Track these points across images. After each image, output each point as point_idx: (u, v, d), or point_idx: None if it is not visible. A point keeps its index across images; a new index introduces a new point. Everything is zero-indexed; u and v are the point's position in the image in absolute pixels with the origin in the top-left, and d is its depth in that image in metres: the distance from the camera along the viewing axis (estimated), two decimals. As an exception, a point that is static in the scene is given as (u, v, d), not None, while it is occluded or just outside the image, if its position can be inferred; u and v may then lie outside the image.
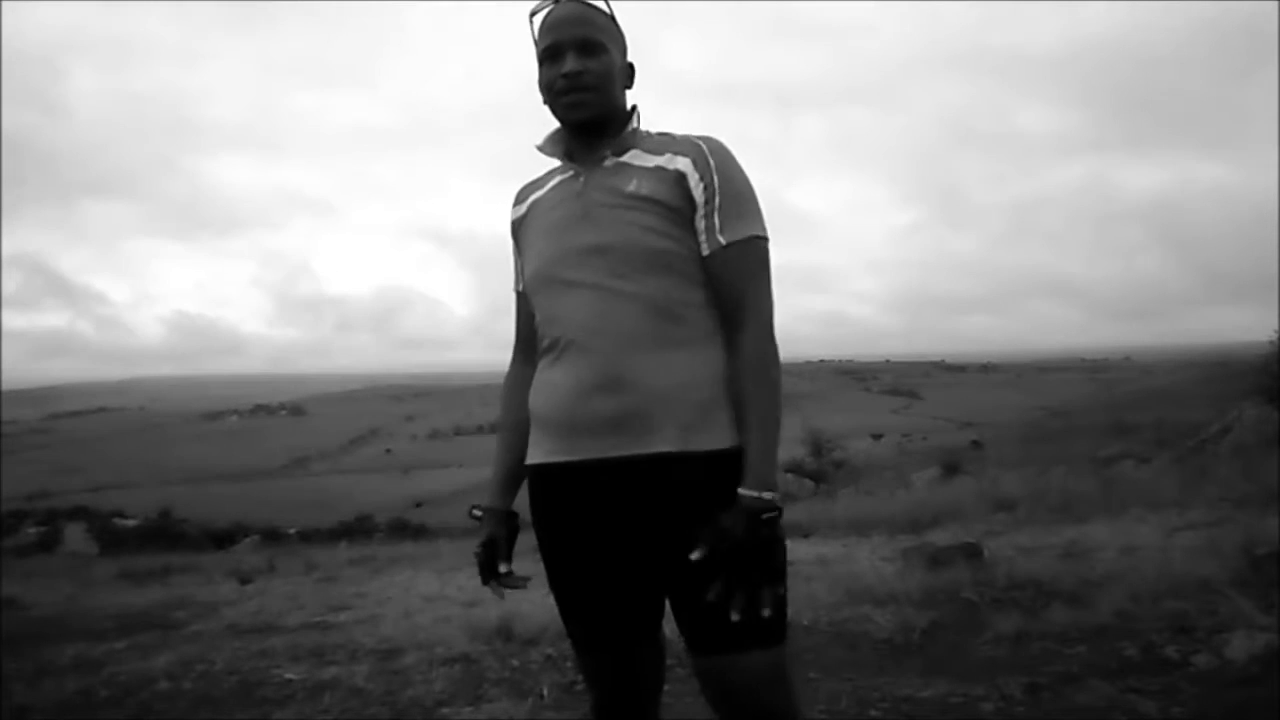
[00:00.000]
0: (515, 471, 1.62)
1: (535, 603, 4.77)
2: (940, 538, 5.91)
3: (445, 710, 3.08)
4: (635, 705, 1.56)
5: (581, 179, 1.50)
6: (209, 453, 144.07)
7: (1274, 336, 11.11)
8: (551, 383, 1.49)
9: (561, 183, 1.54)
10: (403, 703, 3.19)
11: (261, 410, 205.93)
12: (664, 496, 1.40)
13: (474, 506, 1.64)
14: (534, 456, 1.53)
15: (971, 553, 4.62)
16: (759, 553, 1.33)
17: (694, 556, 1.33)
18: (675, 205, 1.44)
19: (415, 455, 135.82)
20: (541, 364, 1.54)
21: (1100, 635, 3.21)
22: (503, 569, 1.58)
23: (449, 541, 14.26)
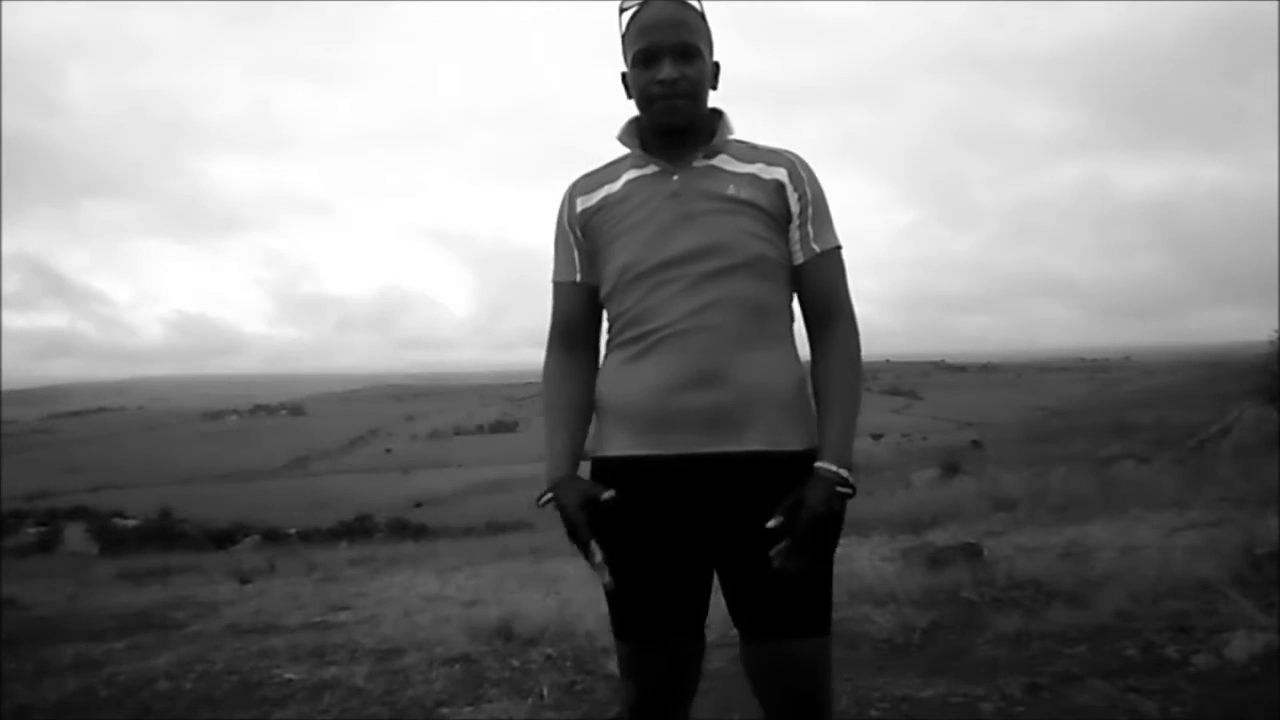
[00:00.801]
0: (576, 450, 1.59)
1: (535, 603, 4.77)
2: (940, 538, 5.91)
3: (445, 710, 3.08)
4: (674, 701, 1.56)
5: (675, 178, 1.51)
6: (209, 453, 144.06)
7: (1274, 336, 11.10)
8: (637, 376, 1.50)
9: (643, 179, 1.54)
10: (403, 703, 3.19)
11: (261, 410, 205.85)
12: (749, 492, 1.45)
13: (541, 495, 1.55)
14: (609, 449, 1.54)
15: (971, 553, 4.62)
16: (829, 524, 1.43)
17: (771, 524, 1.39)
18: (774, 212, 1.50)
19: (415, 455, 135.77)
20: (619, 356, 1.54)
21: (1100, 635, 3.21)
22: (598, 558, 1.46)
23: (449, 541, 14.27)
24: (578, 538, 1.48)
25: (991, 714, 2.69)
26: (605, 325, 1.61)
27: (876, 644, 3.44)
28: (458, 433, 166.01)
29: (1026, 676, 2.90)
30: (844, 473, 1.44)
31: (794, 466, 1.46)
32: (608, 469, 1.53)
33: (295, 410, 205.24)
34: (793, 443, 1.48)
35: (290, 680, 3.56)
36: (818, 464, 1.45)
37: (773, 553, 1.39)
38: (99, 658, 4.22)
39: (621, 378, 1.52)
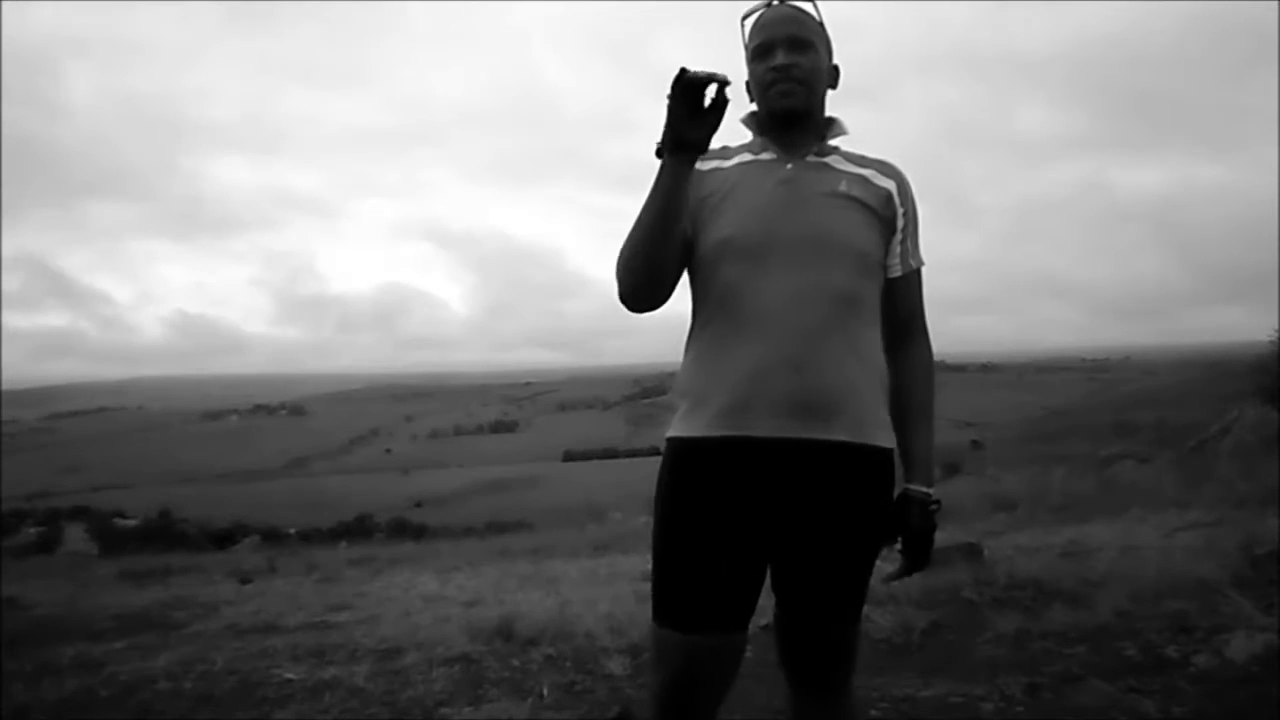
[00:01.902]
0: None
1: (535, 603, 4.77)
2: (940, 538, 5.89)
3: (445, 710, 3.08)
4: (705, 697, 1.52)
5: (789, 166, 1.53)
6: (209, 453, 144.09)
7: (1274, 336, 11.11)
8: (726, 357, 1.50)
9: (757, 163, 1.57)
10: (403, 703, 3.19)
11: (261, 410, 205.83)
12: (828, 481, 1.47)
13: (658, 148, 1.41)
14: (692, 428, 1.52)
15: (971, 553, 4.62)
16: (929, 538, 1.60)
17: (895, 549, 1.59)
18: (883, 217, 1.54)
19: (415, 455, 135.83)
20: (708, 335, 1.54)
21: (1100, 635, 3.21)
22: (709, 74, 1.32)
23: (449, 541, 14.26)
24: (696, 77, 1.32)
25: (991, 714, 2.69)
26: (692, 300, 1.60)
27: (876, 644, 3.43)
28: (458, 433, 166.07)
29: (1026, 676, 2.90)
30: (932, 492, 1.58)
31: (874, 462, 1.50)
32: (689, 448, 1.51)
33: (295, 410, 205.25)
34: (875, 438, 1.51)
35: (290, 680, 3.55)
36: (910, 486, 1.58)
37: (885, 578, 1.58)
38: (99, 658, 4.22)
39: (709, 358, 1.52)
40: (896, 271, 1.58)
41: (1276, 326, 11.15)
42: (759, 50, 1.54)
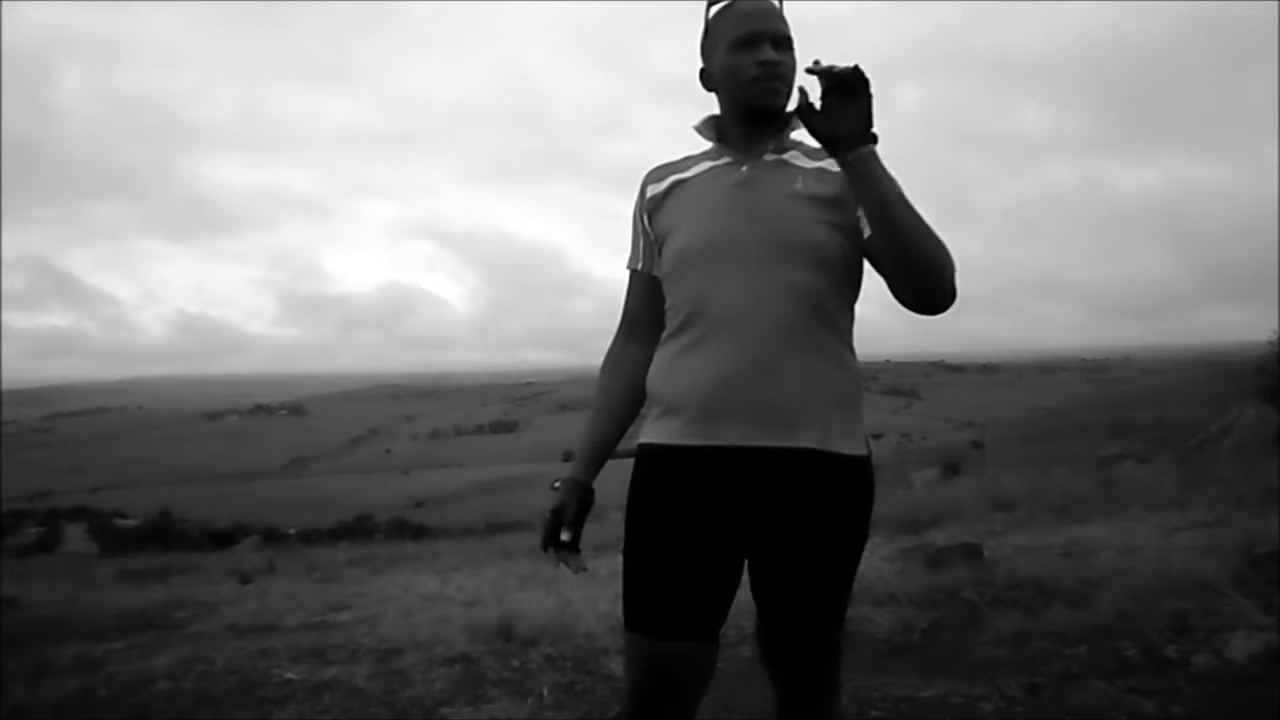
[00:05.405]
0: (604, 450, 1.62)
1: (535, 603, 4.78)
2: (940, 538, 5.91)
3: (445, 710, 3.09)
4: (677, 703, 1.51)
5: (744, 168, 1.52)
6: (209, 453, 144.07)
7: (1274, 336, 11.12)
8: (689, 365, 1.49)
9: (715, 169, 1.55)
10: (403, 703, 3.19)
11: (261, 410, 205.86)
12: (795, 489, 1.44)
13: (555, 480, 1.62)
14: (656, 437, 1.52)
15: (971, 553, 4.62)
16: (860, 93, 1.28)
17: (807, 68, 1.29)
18: (842, 201, 1.48)
19: (415, 455, 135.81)
20: (672, 345, 1.53)
21: (1100, 635, 3.21)
22: (565, 536, 1.56)
23: (449, 541, 14.27)
24: (545, 530, 1.59)
25: (991, 714, 2.69)
26: (666, 306, 1.58)
27: (876, 644, 3.43)
28: (458, 433, 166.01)
29: (1026, 676, 2.90)
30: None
31: (844, 469, 1.46)
32: (659, 455, 1.51)
33: (295, 410, 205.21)
34: (844, 446, 1.46)
35: (290, 680, 3.56)
36: None
37: (807, 68, 1.29)
38: (99, 658, 4.22)
39: (674, 366, 1.51)
40: (868, 232, 1.49)
41: (1276, 326, 11.18)
42: (744, 41, 1.49)
